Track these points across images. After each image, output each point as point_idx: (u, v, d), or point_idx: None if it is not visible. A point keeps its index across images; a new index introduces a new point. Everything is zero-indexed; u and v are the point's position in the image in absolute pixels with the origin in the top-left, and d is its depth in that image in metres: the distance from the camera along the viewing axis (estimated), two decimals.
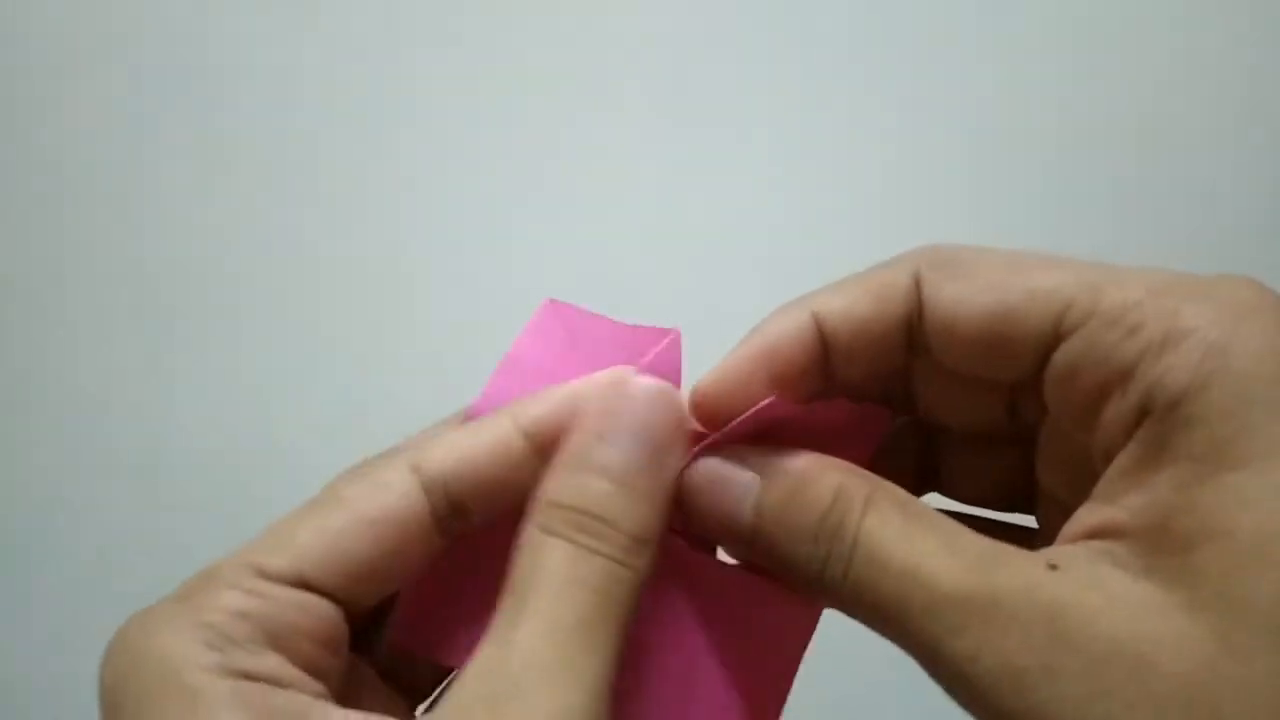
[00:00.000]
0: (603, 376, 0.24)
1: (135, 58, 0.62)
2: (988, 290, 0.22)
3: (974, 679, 0.19)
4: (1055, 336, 0.21)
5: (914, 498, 0.22)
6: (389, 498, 0.22)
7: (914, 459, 0.27)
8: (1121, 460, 0.20)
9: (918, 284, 0.23)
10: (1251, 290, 0.20)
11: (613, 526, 0.22)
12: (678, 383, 0.25)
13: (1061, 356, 0.21)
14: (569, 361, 0.26)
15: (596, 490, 0.22)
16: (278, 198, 0.63)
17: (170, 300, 0.63)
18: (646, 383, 0.23)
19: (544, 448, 0.23)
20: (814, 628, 0.24)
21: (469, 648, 0.21)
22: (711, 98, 0.63)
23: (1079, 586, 0.19)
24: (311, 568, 0.21)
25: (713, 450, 0.23)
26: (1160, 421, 0.20)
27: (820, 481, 0.22)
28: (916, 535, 0.21)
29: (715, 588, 0.24)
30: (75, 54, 0.62)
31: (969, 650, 0.19)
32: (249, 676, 0.20)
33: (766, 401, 0.23)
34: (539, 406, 0.23)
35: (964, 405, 0.25)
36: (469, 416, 0.25)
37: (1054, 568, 0.20)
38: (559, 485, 0.22)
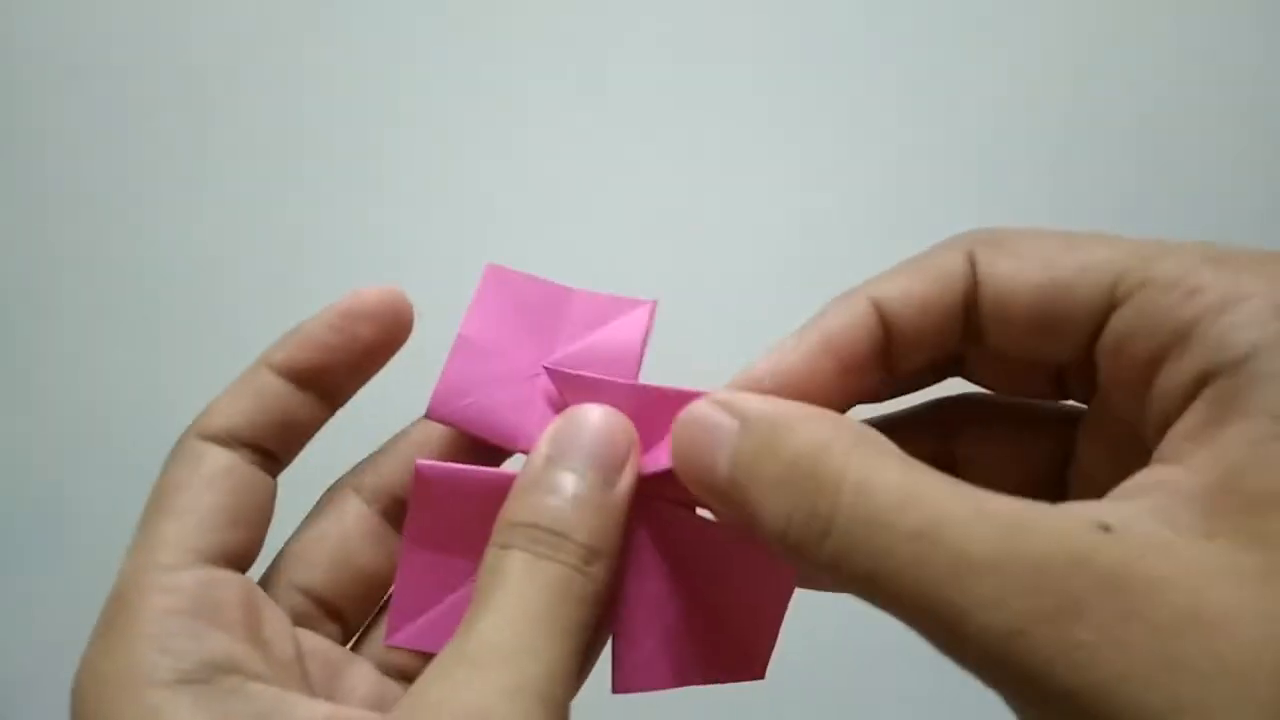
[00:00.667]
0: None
1: (135, 57, 0.62)
2: (1040, 266, 0.21)
3: (1018, 657, 0.17)
4: (1108, 306, 0.21)
5: (905, 455, 0.20)
6: (207, 463, 0.24)
7: (929, 451, 0.25)
8: (1186, 421, 0.19)
9: (972, 263, 0.22)
10: None
11: (566, 538, 0.22)
12: (638, 354, 0.26)
13: (1115, 324, 0.21)
14: (523, 339, 0.26)
15: (549, 507, 0.23)
16: (278, 198, 0.63)
17: (170, 300, 0.63)
18: (596, 410, 0.24)
19: (307, 383, 0.25)
20: (793, 581, 0.24)
21: None
22: (712, 97, 0.63)
23: (1140, 550, 0.17)
24: (197, 542, 0.23)
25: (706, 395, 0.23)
26: (1229, 378, 0.19)
27: (798, 428, 0.20)
28: (920, 492, 0.18)
29: (697, 545, 0.25)
30: (74, 53, 0.62)
31: (1011, 624, 0.17)
32: (209, 665, 0.21)
33: None
34: (289, 347, 0.25)
35: (1013, 393, 0.25)
36: (430, 412, 0.26)
37: (1107, 529, 0.18)
38: (514, 506, 0.23)
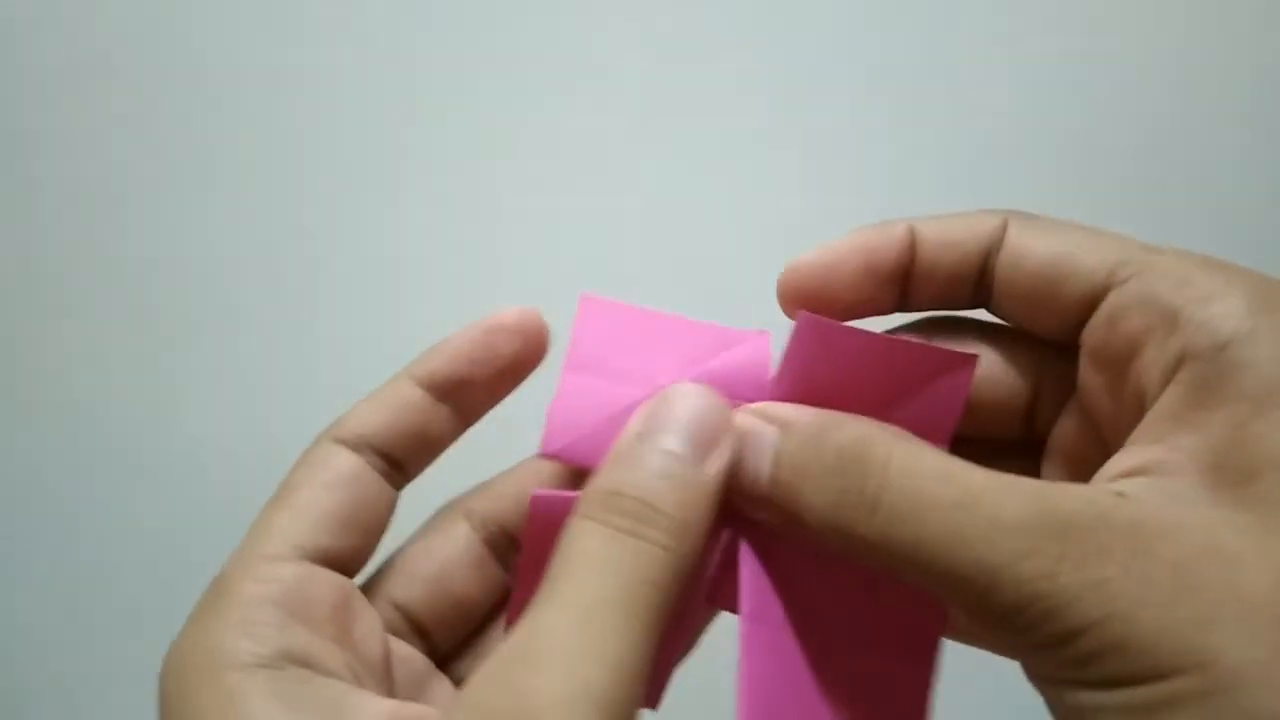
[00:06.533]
0: (495, 323, 0.26)
1: (134, 57, 0.62)
2: (1059, 239, 0.24)
3: (1048, 595, 0.19)
4: (1106, 286, 0.23)
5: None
6: (333, 465, 0.25)
7: None
8: (1165, 403, 0.21)
9: (1005, 227, 0.25)
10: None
11: (653, 508, 0.21)
12: (766, 386, 0.25)
13: (1112, 300, 0.23)
14: (629, 369, 0.26)
15: (635, 478, 0.22)
16: (278, 197, 0.63)
17: (169, 300, 0.63)
18: (687, 386, 0.23)
19: (446, 395, 0.26)
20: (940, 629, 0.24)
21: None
22: (712, 98, 0.63)
23: (1153, 508, 0.20)
24: (304, 539, 0.24)
25: (740, 409, 0.24)
26: (1208, 364, 0.21)
27: (842, 426, 0.22)
28: (957, 472, 0.21)
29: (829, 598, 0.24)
30: (74, 53, 0.62)
31: (1043, 569, 0.19)
32: (286, 655, 0.22)
33: (805, 317, 0.23)
34: (432, 359, 0.26)
35: (987, 410, 0.26)
36: (542, 452, 0.25)
37: (1121, 495, 0.20)
38: (600, 478, 0.22)
